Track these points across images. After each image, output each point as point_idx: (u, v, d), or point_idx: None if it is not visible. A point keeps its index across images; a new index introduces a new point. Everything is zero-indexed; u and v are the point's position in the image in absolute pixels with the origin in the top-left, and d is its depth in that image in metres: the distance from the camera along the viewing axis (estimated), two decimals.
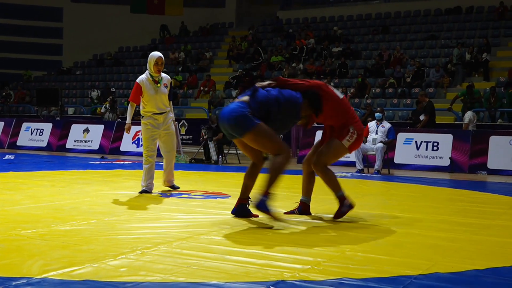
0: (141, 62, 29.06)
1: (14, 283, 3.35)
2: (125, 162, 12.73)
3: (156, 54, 7.50)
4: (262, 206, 5.33)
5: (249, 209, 5.76)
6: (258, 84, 5.66)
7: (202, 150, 13.68)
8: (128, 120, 7.62)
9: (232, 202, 6.96)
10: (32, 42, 36.28)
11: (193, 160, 13.47)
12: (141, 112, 7.60)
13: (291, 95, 5.53)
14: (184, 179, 9.59)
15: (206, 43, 28.75)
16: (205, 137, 13.45)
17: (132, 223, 5.37)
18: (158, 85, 7.46)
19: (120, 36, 32.19)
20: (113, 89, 20.60)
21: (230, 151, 14.24)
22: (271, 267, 3.89)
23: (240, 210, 5.78)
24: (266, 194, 5.36)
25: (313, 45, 24.28)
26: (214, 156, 13.20)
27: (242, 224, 5.46)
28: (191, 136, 19.33)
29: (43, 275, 3.52)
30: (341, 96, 5.91)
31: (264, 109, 5.39)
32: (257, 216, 5.72)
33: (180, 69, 26.32)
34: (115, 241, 4.56)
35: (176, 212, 6.06)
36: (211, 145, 13.24)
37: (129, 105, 7.64)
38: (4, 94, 27.31)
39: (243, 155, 15.54)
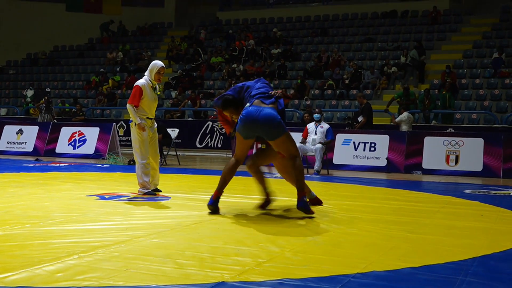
0: (78, 62, 28.47)
1: None
2: (61, 165, 12.42)
3: (160, 63, 7.80)
4: (307, 206, 6.12)
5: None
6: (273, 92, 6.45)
7: None
8: (139, 120, 7.60)
9: (173, 203, 6.92)
10: None
11: (131, 162, 13.28)
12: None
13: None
14: (123, 181, 9.45)
15: (145, 43, 28.42)
16: None
17: (68, 226, 5.25)
18: (157, 92, 7.79)
19: (56, 34, 31.38)
20: (48, 89, 20.09)
21: (169, 153, 14.13)
22: (211, 268, 3.89)
23: (217, 202, 6.24)
24: (304, 194, 6.15)
25: (253, 46, 24.40)
26: None
27: (182, 226, 5.43)
28: (129, 138, 19.03)
29: None
30: None
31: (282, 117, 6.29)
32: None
33: (118, 69, 25.93)
34: (51, 245, 4.45)
35: (114, 215, 5.97)
36: None
37: (131, 107, 7.66)
38: None
39: (183, 157, 15.46)
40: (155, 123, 7.93)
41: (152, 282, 3.54)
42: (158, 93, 7.83)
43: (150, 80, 7.73)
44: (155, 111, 7.96)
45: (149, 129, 7.74)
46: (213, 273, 3.78)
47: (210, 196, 6.26)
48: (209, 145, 18.27)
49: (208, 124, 18.40)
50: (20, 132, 16.10)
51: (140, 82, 7.72)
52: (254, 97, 6.29)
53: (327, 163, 12.07)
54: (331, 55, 22.30)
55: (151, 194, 7.56)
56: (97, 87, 24.27)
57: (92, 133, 15.10)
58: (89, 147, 14.92)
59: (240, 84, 6.64)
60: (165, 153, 13.59)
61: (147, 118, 7.73)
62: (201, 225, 5.51)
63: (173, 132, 14.11)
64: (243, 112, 6.24)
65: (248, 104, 6.29)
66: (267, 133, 6.16)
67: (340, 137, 13.05)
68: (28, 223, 5.35)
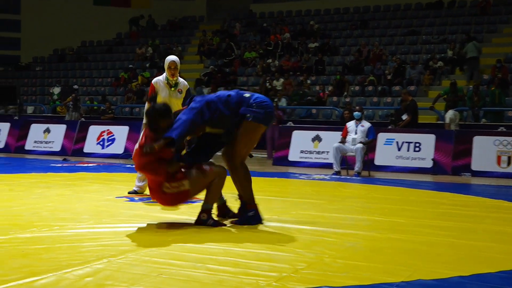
0: (106, 58, 28.84)
1: None
2: (89, 165, 12.62)
3: (169, 58, 7.80)
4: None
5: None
6: None
7: None
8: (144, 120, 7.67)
9: None
10: None
11: None
12: None
13: None
14: None
15: (176, 37, 28.63)
16: None
17: (97, 229, 5.33)
18: (172, 89, 7.69)
19: (83, 29, 31.87)
20: (75, 87, 20.42)
21: None
22: (246, 275, 3.90)
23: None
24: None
25: (289, 40, 24.37)
26: None
27: (215, 230, 5.46)
28: None
29: (1, 286, 3.47)
30: None
31: None
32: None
33: (147, 65, 26.19)
34: (80, 249, 4.53)
35: (145, 217, 6.04)
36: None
37: (146, 104, 7.78)
38: None
39: (216, 156, 15.52)
40: None
41: None
42: (171, 89, 7.68)
43: (166, 77, 7.73)
44: None
45: None
46: (248, 280, 3.79)
47: (250, 214, 5.79)
48: None
49: None
50: (47, 131, 16.40)
51: (155, 78, 7.85)
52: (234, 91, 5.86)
53: (368, 164, 11.99)
54: (372, 49, 22.13)
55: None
56: (126, 84, 24.57)
57: (121, 132, 15.29)
58: (118, 147, 15.11)
59: (197, 105, 5.64)
60: None
61: None
62: (234, 229, 5.53)
63: None
64: (258, 98, 5.73)
65: (247, 94, 5.78)
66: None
67: (382, 137, 12.95)
68: (56, 225, 5.45)
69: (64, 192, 7.92)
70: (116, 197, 7.55)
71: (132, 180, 8.14)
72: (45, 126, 16.62)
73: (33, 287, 3.51)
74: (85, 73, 27.83)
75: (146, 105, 7.70)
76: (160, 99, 7.66)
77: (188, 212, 6.50)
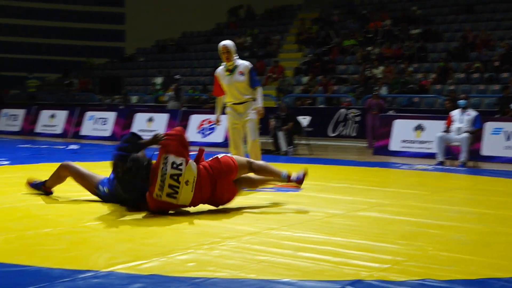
0: (206, 48, 29.39)
1: (80, 276, 3.47)
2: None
3: (220, 43, 7.74)
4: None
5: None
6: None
7: (271, 140, 13.72)
8: (216, 113, 7.94)
9: (304, 194, 6.98)
10: (94, 28, 37.33)
11: (261, 151, 13.51)
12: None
13: None
14: None
15: (274, 26, 28.74)
16: (274, 126, 13.48)
17: (199, 216, 5.45)
18: (227, 73, 7.61)
19: (184, 20, 32.63)
20: (177, 77, 20.96)
21: (300, 142, 14.22)
22: (347, 265, 3.87)
23: None
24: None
25: (389, 27, 23.85)
26: (283, 146, 13.22)
27: (314, 219, 5.46)
28: (259, 126, 19.38)
29: (110, 269, 3.63)
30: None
31: None
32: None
33: (246, 54, 26.45)
34: (182, 234, 4.66)
35: (244, 205, 6.12)
36: (281, 135, 13.26)
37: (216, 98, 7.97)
38: (67, 82, 28.26)
39: (315, 145, 15.51)
40: (250, 109, 7.75)
41: (285, 276, 3.59)
42: (227, 74, 7.61)
43: (225, 64, 7.68)
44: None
45: (232, 117, 7.80)
46: (349, 270, 3.76)
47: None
48: (343, 133, 18.16)
49: (341, 112, 18.28)
50: (150, 120, 16.96)
51: (217, 69, 7.85)
52: None
53: (474, 154, 11.56)
54: (478, 34, 21.27)
55: None
56: None
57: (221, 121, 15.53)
58: (218, 135, 15.39)
59: None
60: (296, 142, 13.69)
61: (233, 104, 7.73)
62: (333, 219, 5.50)
63: (304, 120, 14.17)
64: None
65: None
66: None
67: (489, 126, 12.43)
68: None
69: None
70: None
71: None
72: (148, 115, 17.20)
73: (139, 270, 3.64)
74: (185, 63, 28.49)
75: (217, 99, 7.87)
76: (224, 87, 7.69)
77: (287, 201, 6.53)
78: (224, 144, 14.95)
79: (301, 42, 25.90)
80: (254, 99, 7.74)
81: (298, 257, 4.03)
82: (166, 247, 4.22)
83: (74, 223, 5.00)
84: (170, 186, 5.36)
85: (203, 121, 16.03)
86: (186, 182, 5.43)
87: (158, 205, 5.38)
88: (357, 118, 17.80)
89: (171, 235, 4.62)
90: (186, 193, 5.41)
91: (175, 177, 5.39)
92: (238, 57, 7.77)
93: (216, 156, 5.91)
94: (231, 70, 7.60)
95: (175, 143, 5.57)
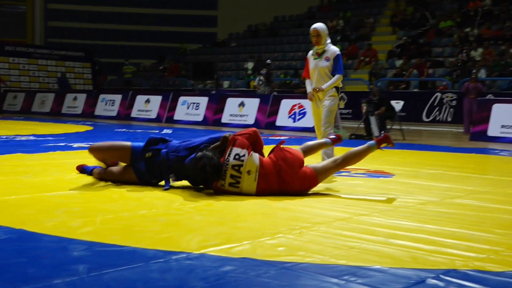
0: (297, 32, 29.32)
1: (174, 257, 3.57)
2: (281, 137, 12.97)
3: (312, 26, 7.68)
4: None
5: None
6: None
7: (363, 125, 13.55)
8: (308, 90, 7.81)
9: (397, 181, 6.86)
10: (187, 15, 38.05)
11: (353, 136, 13.40)
12: None
13: None
14: None
15: (367, 9, 28.27)
16: (366, 111, 13.31)
17: (288, 200, 5.47)
18: (315, 56, 7.58)
19: (276, 5, 32.65)
20: (268, 61, 21.05)
21: (393, 127, 13.96)
22: (441, 253, 3.77)
23: None
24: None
25: (490, 6, 22.89)
26: (375, 131, 13.03)
27: (406, 205, 5.35)
28: (350, 110, 19.25)
29: (202, 251, 3.71)
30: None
31: None
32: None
33: (338, 38, 26.18)
34: (272, 219, 4.69)
35: (335, 190, 6.09)
36: (373, 120, 13.07)
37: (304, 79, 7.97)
38: (162, 68, 29.00)
39: (408, 131, 15.19)
40: (327, 95, 7.56)
41: (376, 263, 3.54)
42: (314, 57, 7.57)
43: (315, 47, 7.62)
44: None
45: (314, 102, 7.71)
46: (443, 259, 3.66)
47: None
48: (437, 118, 17.69)
49: (437, 96, 17.79)
50: (241, 104, 17.15)
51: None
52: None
53: None
54: None
55: None
56: None
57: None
58: (309, 120, 15.36)
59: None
60: (388, 127, 13.46)
61: (314, 89, 7.60)
62: (427, 206, 5.37)
63: (397, 105, 13.90)
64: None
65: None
66: None
67: None
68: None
69: None
70: None
71: (320, 153, 8.19)
72: (240, 100, 17.38)
73: (230, 253, 3.70)
74: (277, 48, 28.54)
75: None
76: (310, 70, 7.63)
77: (378, 186, 6.44)
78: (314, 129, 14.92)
79: (395, 24, 25.34)
80: (336, 87, 7.57)
81: (389, 244, 3.97)
82: (256, 231, 4.27)
83: (168, 205, 5.14)
84: (232, 176, 5.56)
85: (294, 105, 16.04)
86: (248, 172, 5.56)
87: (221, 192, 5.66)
88: (453, 103, 17.26)
89: (261, 219, 4.66)
90: (248, 183, 5.56)
91: (236, 168, 5.56)
92: (329, 41, 7.63)
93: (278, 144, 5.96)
94: (319, 54, 7.53)
95: (241, 137, 5.73)
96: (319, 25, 7.61)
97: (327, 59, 7.46)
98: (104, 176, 6.28)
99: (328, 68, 7.45)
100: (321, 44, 7.50)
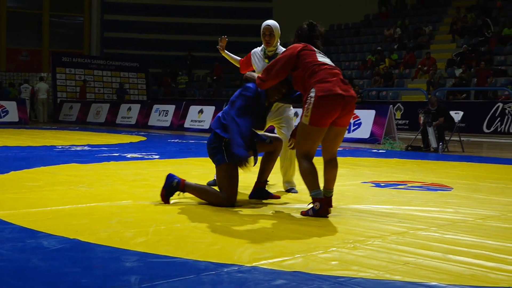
0: (353, 41, 29.18)
1: (225, 269, 3.59)
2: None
3: (264, 22, 6.60)
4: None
5: (267, 191, 6.09)
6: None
7: (420, 137, 13.35)
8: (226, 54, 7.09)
9: (455, 194, 6.73)
10: (242, 24, 38.35)
11: (409, 148, 13.23)
12: None
13: None
14: (400, 168, 9.46)
15: (426, 16, 27.91)
16: (423, 122, 13.11)
17: (341, 213, 5.44)
18: (266, 61, 6.55)
19: (332, 12, 32.57)
20: None
21: (452, 138, 13.70)
22: (502, 271, 3.68)
23: (258, 193, 6.05)
24: None
25: None
26: (433, 143, 12.82)
27: (466, 220, 5.24)
28: (407, 121, 19.03)
29: (254, 264, 3.72)
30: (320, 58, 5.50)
31: None
32: (278, 197, 6.12)
33: (395, 46, 25.92)
34: (325, 232, 4.66)
35: (390, 203, 6.01)
36: (430, 131, 12.87)
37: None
38: (214, 78, 29.22)
39: (468, 142, 14.88)
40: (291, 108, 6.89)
41: (433, 280, 3.48)
42: (266, 60, 6.53)
43: (263, 47, 6.59)
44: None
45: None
46: (505, 276, 3.57)
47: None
48: (499, 129, 17.29)
49: (498, 106, 17.40)
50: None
51: (254, 49, 6.77)
52: None
53: None
54: None
55: None
56: (373, 67, 24.60)
57: (367, 116, 15.38)
58: (364, 131, 15.25)
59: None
60: (447, 138, 13.23)
61: None
62: (488, 221, 5.25)
63: (457, 115, 13.65)
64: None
65: None
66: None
67: None
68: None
69: None
70: (362, 182, 7.63)
71: (378, 165, 8.15)
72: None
73: (282, 266, 3.69)
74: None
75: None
76: (256, 72, 6.48)
77: (436, 200, 6.33)
78: (371, 140, 14.76)
79: (455, 32, 24.94)
80: None
81: (448, 260, 3.89)
82: (309, 244, 4.25)
83: (220, 216, 5.17)
84: None
85: None
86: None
87: None
88: None
89: (314, 233, 4.64)
90: None
91: None
92: (279, 43, 6.73)
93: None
94: (270, 57, 6.51)
95: None
96: (272, 23, 6.62)
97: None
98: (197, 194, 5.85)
99: None
100: (272, 46, 6.58)
